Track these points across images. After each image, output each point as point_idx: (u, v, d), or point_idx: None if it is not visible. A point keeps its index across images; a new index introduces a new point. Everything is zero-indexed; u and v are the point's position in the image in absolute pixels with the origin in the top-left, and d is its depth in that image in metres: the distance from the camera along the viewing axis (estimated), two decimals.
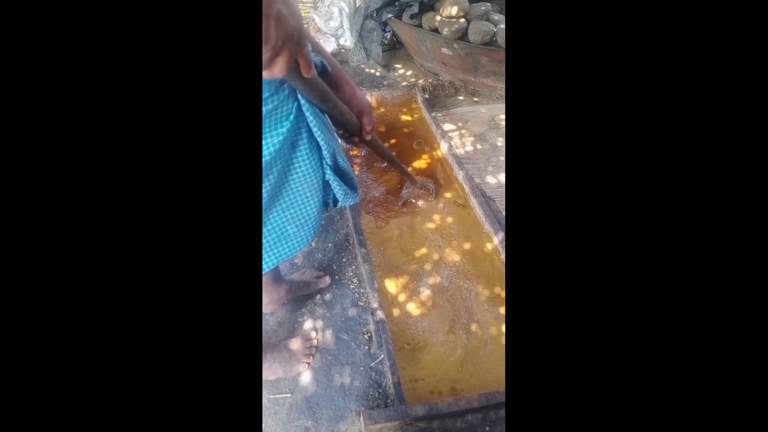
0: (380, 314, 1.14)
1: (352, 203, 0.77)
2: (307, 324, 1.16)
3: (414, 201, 1.63)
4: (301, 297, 1.22)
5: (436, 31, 2.04)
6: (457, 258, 1.44)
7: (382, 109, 2.19)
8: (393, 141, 1.96)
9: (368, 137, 0.74)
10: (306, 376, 1.05)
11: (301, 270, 1.29)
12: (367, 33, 2.30)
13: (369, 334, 1.14)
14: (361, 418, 0.91)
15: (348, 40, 2.45)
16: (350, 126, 0.70)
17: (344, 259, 1.33)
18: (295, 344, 1.07)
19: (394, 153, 1.43)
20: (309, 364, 1.06)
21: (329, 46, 2.39)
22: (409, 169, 1.74)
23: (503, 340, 1.21)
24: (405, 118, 2.15)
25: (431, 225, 1.56)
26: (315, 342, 1.10)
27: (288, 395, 1.01)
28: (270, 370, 1.00)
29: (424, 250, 1.46)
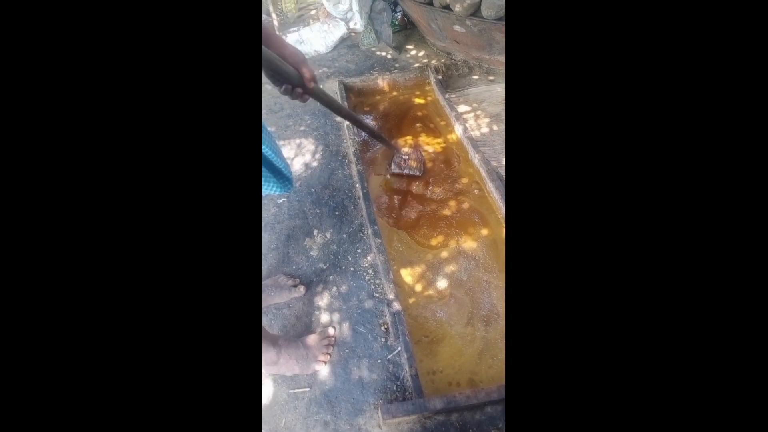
0: (396, 306, 1.13)
1: (278, 193, 0.80)
2: (324, 317, 1.16)
3: (401, 172, 1.60)
4: (272, 305, 1.18)
5: (447, 8, 1.95)
6: (474, 245, 1.40)
7: (395, 93, 2.13)
8: (408, 124, 1.92)
9: (311, 85, 0.77)
10: (324, 370, 1.05)
11: (274, 276, 1.24)
12: (377, 14, 2.23)
13: (386, 326, 1.13)
14: (379, 412, 0.91)
15: (358, 23, 2.38)
16: (290, 77, 0.73)
17: (359, 250, 1.31)
18: (312, 341, 1.07)
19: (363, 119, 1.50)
20: (326, 362, 1.06)
21: (339, 30, 2.33)
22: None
23: None
24: (418, 101, 2.09)
25: (447, 212, 1.52)
26: (333, 340, 1.10)
27: (307, 389, 1.02)
28: (286, 367, 1.01)
29: (440, 238, 1.43)
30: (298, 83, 0.75)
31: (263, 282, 1.21)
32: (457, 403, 0.90)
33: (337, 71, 2.15)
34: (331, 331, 1.11)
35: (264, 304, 1.15)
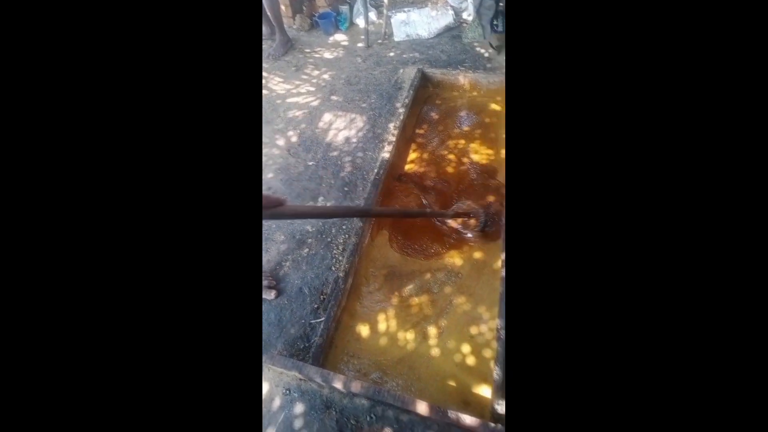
0: (341, 283, 1.22)
1: None
2: (284, 270, 1.32)
3: (463, 232, 1.47)
4: None
5: None
6: (460, 264, 1.37)
7: (474, 93, 2.06)
8: (466, 128, 1.87)
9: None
10: (265, 305, 1.23)
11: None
12: (486, 10, 2.14)
13: (324, 296, 1.23)
14: (264, 356, 1.05)
15: (471, 15, 2.32)
16: None
17: (344, 227, 1.42)
18: None
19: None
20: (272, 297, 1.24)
21: (445, 19, 2.31)
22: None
23: (447, 364, 1.16)
24: (494, 107, 1.99)
25: (456, 224, 1.49)
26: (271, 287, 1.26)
27: None
28: None
29: (436, 246, 1.43)
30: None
31: None
32: (329, 381, 0.98)
33: (427, 59, 2.17)
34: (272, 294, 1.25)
35: None
